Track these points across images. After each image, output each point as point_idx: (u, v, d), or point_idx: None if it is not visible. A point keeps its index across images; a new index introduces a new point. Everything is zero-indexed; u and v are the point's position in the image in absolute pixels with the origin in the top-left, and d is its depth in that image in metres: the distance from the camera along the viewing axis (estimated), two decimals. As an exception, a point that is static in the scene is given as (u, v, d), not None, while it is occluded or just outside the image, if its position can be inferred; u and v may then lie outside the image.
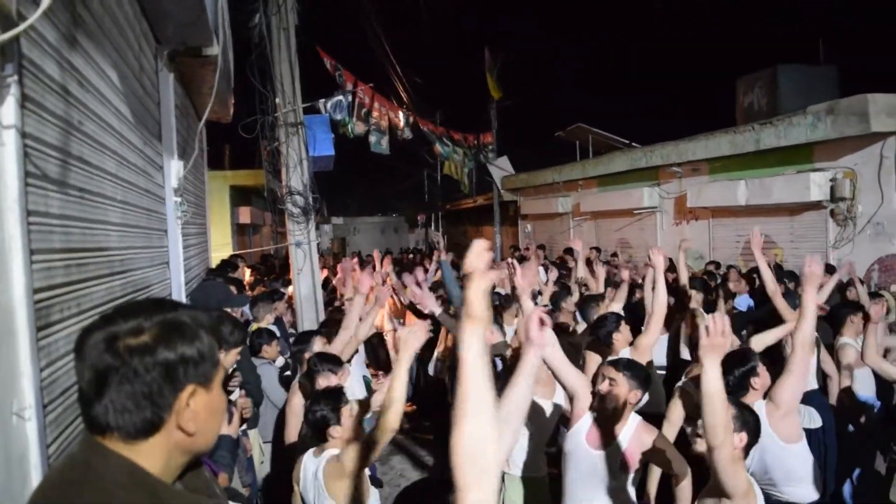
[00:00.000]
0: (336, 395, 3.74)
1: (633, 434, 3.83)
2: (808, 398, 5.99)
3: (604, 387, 3.87)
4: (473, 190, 25.16)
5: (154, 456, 1.31)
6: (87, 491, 1.23)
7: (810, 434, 5.90)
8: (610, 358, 4.64)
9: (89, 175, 3.19)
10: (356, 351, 6.28)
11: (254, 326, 6.92)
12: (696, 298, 7.52)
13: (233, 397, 5.06)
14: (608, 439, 3.83)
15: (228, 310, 5.00)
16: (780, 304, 6.02)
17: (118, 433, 1.28)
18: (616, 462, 3.80)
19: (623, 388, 3.85)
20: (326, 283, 10.81)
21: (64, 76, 2.85)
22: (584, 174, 16.64)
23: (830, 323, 6.42)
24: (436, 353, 8.40)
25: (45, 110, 2.59)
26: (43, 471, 2.22)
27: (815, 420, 5.87)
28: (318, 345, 5.50)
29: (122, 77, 3.96)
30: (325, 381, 4.45)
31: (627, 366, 3.98)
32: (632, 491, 3.84)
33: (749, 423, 3.37)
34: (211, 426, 1.40)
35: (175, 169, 5.86)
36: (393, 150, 16.58)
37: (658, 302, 5.51)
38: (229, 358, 3.79)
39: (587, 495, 3.83)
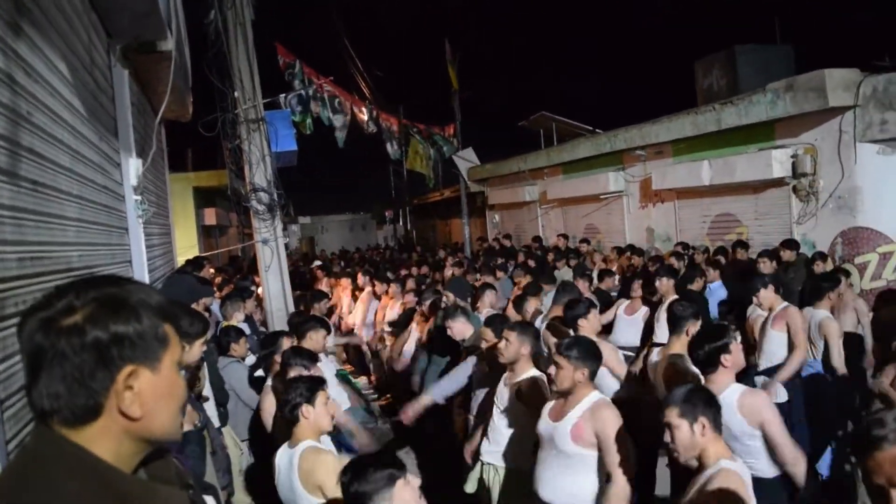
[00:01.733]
0: (314, 379, 3.71)
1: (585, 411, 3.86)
2: (774, 371, 6.06)
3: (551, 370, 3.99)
4: (440, 183, 25.14)
5: (102, 442, 1.23)
6: (34, 478, 1.18)
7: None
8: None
9: (42, 168, 3.11)
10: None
11: (224, 324, 6.85)
12: (668, 286, 7.49)
13: (205, 393, 5.00)
14: (561, 415, 3.94)
15: (193, 305, 4.89)
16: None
17: (57, 418, 1.22)
18: (565, 434, 3.85)
19: (568, 369, 3.91)
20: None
21: (9, 64, 2.76)
22: (550, 162, 16.68)
23: (810, 293, 6.46)
24: (406, 346, 8.34)
25: (-10, 98, 2.51)
26: (2, 467, 2.15)
27: (779, 395, 5.91)
28: (286, 345, 5.42)
29: (72, 69, 3.87)
30: (296, 374, 4.39)
31: (568, 347, 4.01)
32: (591, 472, 3.84)
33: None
34: (163, 409, 1.30)
35: (134, 167, 5.76)
36: (358, 145, 16.55)
37: None
38: (194, 350, 3.73)
39: (549, 468, 3.96)
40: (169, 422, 1.32)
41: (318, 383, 3.63)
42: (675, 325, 5.14)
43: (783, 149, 10.12)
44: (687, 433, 3.12)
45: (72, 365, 1.20)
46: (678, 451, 3.15)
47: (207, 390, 5.05)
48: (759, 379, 6.16)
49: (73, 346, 1.19)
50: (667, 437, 3.18)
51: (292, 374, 4.39)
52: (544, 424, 4.03)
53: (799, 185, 10.06)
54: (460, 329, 6.08)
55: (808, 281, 7.79)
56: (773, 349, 6.13)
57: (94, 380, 1.21)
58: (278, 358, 5.21)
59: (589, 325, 5.44)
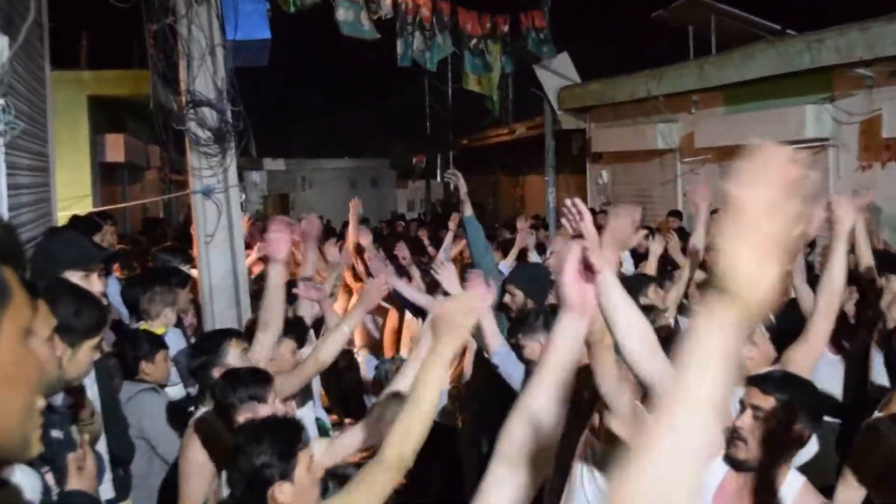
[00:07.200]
0: (288, 431, 3.79)
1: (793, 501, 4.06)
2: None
3: (744, 420, 4.10)
4: (509, 113, 24.97)
5: None
6: None
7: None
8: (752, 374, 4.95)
9: None
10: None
11: (142, 326, 6.91)
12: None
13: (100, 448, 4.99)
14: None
15: (80, 276, 4.93)
16: None
17: None
18: None
19: (778, 419, 4.06)
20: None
21: None
22: (702, 83, 16.55)
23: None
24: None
25: None
26: None
27: None
28: (233, 353, 5.46)
29: None
30: (247, 416, 4.44)
31: (784, 383, 4.19)
32: None
33: None
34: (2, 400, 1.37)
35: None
36: (369, 45, 16.46)
37: (829, 290, 5.58)
38: (79, 357, 3.80)
39: None
40: (13, 420, 1.39)
41: (293, 437, 3.74)
42: None
43: None
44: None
45: None
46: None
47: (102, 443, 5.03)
48: None
49: None
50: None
51: (239, 417, 4.47)
52: None
53: None
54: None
55: None
56: None
57: None
58: (220, 373, 5.23)
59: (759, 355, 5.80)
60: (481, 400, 7.15)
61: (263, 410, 4.45)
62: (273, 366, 5.61)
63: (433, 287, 9.72)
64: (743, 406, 4.17)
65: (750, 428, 4.05)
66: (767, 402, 4.07)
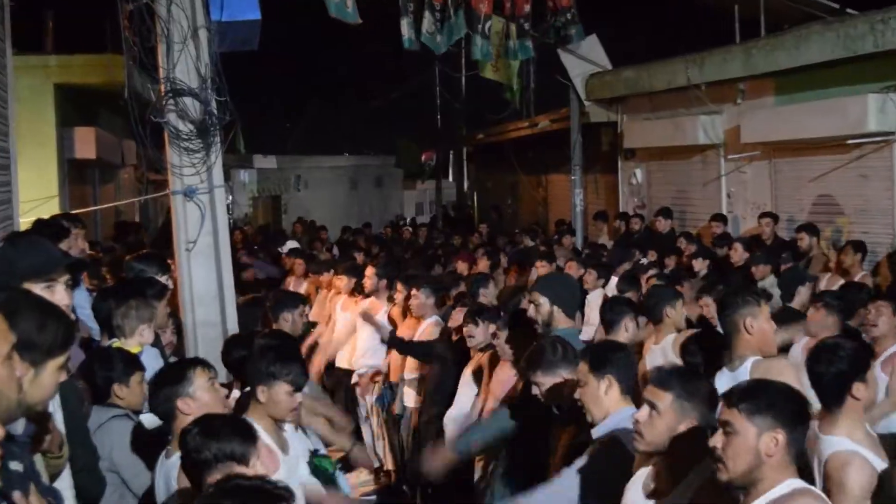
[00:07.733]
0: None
1: None
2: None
3: (716, 439, 4.41)
4: (530, 104, 24.89)
5: None
6: None
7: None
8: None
9: None
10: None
11: (116, 343, 6.87)
12: None
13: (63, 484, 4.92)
14: None
15: (42, 286, 4.90)
16: None
17: None
18: None
19: (747, 431, 4.34)
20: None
21: None
22: (750, 70, 16.50)
23: None
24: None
25: None
26: None
27: None
28: (199, 383, 5.51)
29: None
30: (223, 474, 4.30)
31: (748, 392, 4.51)
32: None
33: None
34: None
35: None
36: (373, 31, 16.40)
37: None
38: (43, 379, 3.75)
39: None
40: None
41: None
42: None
43: None
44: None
45: None
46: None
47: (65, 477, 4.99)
48: None
49: None
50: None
51: (213, 479, 4.31)
52: None
53: None
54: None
55: None
56: None
57: None
58: (186, 405, 5.33)
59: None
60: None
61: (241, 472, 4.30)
62: (263, 411, 5.66)
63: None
64: (718, 425, 4.46)
65: (723, 446, 4.30)
66: (733, 415, 4.30)
